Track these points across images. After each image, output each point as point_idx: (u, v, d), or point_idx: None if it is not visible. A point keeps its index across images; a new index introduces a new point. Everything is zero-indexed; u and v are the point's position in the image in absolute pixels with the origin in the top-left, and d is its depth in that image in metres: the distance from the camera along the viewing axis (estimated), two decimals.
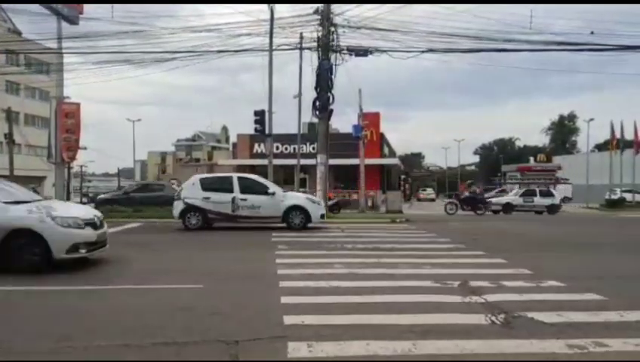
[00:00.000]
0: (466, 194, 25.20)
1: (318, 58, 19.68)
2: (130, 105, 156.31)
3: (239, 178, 15.49)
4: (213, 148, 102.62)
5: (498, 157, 78.55)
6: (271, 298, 5.81)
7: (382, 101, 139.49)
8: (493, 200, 28.96)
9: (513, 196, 28.91)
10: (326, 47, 19.50)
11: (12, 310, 5.46)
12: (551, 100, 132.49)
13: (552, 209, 26.83)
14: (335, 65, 19.64)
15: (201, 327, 4.65)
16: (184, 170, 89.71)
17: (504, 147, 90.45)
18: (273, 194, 14.98)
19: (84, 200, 48.50)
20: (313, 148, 29.76)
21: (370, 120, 35.05)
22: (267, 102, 21.29)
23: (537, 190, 28.45)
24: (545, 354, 4.01)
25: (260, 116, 21.02)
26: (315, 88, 19.82)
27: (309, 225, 14.94)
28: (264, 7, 21.18)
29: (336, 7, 19.87)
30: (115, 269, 8.01)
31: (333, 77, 19.60)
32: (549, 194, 28.14)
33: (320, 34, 19.61)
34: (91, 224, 8.04)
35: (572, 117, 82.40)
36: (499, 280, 6.85)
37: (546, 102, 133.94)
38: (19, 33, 41.79)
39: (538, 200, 27.40)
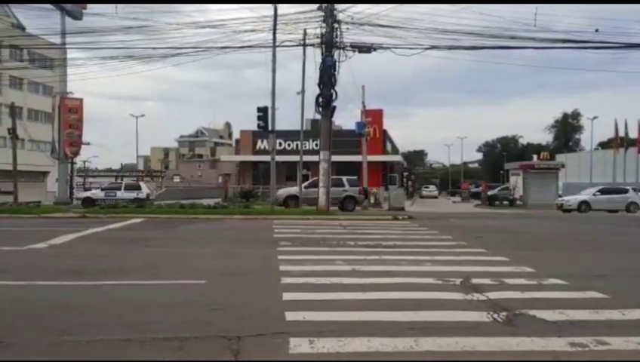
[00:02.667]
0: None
1: (322, 54, 19.62)
2: (133, 101, 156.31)
3: None
4: (216, 144, 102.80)
5: (501, 155, 78.38)
6: (273, 294, 5.81)
7: (385, 98, 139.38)
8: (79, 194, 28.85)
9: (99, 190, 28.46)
10: (329, 43, 19.43)
11: (11, 304, 5.45)
12: (555, 98, 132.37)
13: (137, 201, 25.51)
14: (338, 61, 19.58)
15: (202, 322, 4.66)
16: (187, 165, 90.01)
17: (507, 145, 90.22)
18: None
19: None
20: (316, 145, 29.74)
21: (373, 117, 35.01)
22: (270, 98, 21.31)
23: (124, 183, 28.10)
24: (546, 351, 4.00)
25: (262, 112, 21.03)
26: (319, 85, 19.76)
27: None
28: (268, 3, 21.16)
29: (339, 4, 19.84)
30: (115, 264, 8.01)
31: (336, 73, 19.55)
32: (136, 188, 27.52)
33: (323, 30, 19.55)
34: None
35: (576, 115, 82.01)
36: (501, 278, 6.84)
37: (550, 100, 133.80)
38: (22, 28, 41.78)
39: (122, 194, 26.36)
